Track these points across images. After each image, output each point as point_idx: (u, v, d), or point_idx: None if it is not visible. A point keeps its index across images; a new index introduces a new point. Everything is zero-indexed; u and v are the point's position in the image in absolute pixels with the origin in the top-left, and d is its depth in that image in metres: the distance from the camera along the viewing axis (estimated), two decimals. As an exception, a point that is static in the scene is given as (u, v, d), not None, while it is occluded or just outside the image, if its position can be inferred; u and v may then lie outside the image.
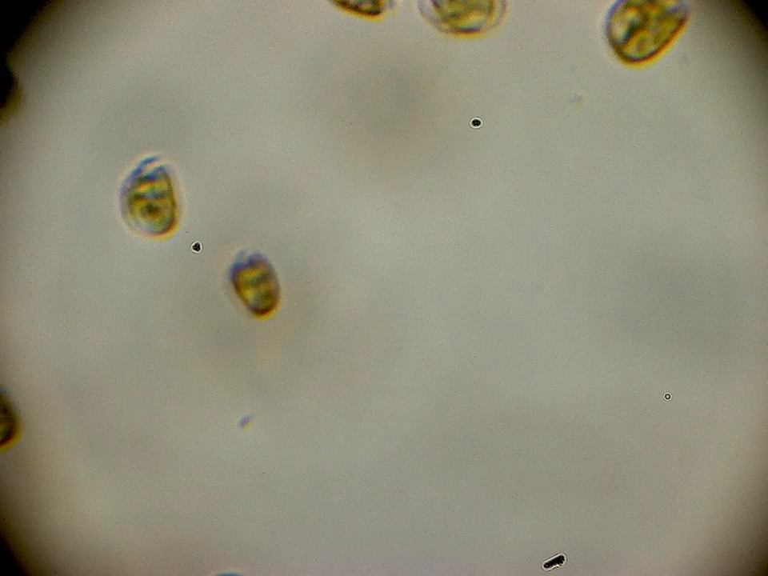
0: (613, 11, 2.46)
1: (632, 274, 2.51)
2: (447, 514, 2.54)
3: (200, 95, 2.51)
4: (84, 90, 2.50)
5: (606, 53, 2.47)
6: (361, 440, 2.56)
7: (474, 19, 2.46)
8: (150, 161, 2.51)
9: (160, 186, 2.51)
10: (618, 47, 2.46)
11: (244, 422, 2.54)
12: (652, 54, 2.46)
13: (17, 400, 2.53)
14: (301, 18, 2.50)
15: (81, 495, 2.55)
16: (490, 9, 2.45)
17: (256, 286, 2.52)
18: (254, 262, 2.51)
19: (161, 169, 2.51)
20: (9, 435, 2.53)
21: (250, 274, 2.52)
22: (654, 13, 2.44)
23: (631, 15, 2.45)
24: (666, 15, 2.44)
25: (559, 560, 2.49)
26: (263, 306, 2.52)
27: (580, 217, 2.52)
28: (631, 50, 2.46)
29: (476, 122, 2.50)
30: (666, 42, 2.45)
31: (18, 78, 2.40)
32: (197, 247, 2.53)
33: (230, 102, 2.52)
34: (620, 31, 2.46)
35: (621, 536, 2.50)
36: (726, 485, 2.50)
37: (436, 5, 2.42)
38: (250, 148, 2.53)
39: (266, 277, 2.52)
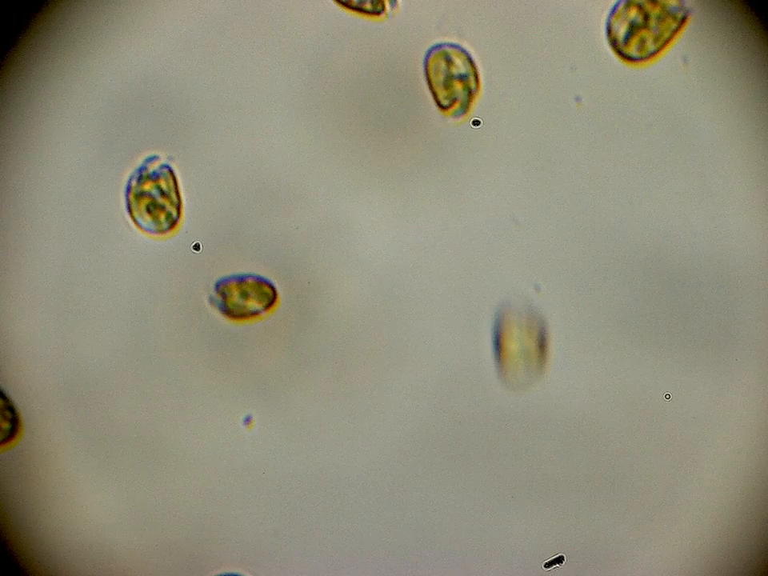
0: (614, 10, 2.46)
1: (632, 273, 2.51)
2: (447, 514, 2.54)
3: (202, 94, 2.51)
4: (86, 89, 2.50)
5: (607, 52, 2.47)
6: (361, 439, 2.56)
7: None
8: (152, 159, 2.51)
9: (164, 183, 2.50)
10: (618, 46, 2.46)
11: (247, 421, 2.54)
12: (653, 54, 2.46)
13: (18, 400, 2.53)
14: (303, 17, 2.49)
15: (81, 495, 2.55)
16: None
17: (243, 296, 2.53)
18: (247, 277, 2.53)
19: (164, 167, 2.51)
20: (10, 435, 2.53)
21: (242, 287, 2.53)
22: (655, 12, 2.44)
23: (632, 14, 2.45)
24: (667, 14, 2.44)
25: (559, 560, 2.50)
26: (236, 313, 2.53)
27: (580, 217, 2.52)
28: (632, 49, 2.46)
29: (476, 122, 2.50)
30: (667, 41, 2.45)
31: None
32: (197, 247, 2.53)
33: (231, 101, 2.51)
34: (621, 30, 2.45)
35: (621, 536, 2.51)
36: (726, 485, 2.50)
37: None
38: (251, 147, 2.52)
39: (254, 293, 2.53)
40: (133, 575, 2.55)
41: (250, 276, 2.51)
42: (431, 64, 2.47)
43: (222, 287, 2.49)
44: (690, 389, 2.49)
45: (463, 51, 2.47)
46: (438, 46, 2.48)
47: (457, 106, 2.45)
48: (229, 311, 2.51)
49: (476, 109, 2.46)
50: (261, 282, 2.52)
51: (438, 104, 2.43)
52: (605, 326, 2.52)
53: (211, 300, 2.45)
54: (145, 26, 2.49)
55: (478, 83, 2.46)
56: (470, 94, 2.46)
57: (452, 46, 2.47)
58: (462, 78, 2.45)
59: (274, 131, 2.52)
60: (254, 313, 2.52)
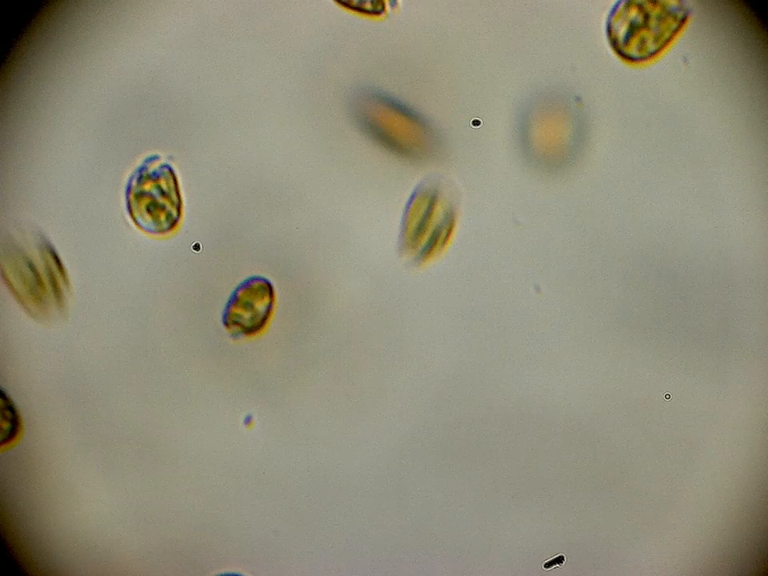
0: (614, 10, 2.46)
1: (632, 273, 2.51)
2: (447, 514, 2.54)
3: (202, 94, 2.51)
4: (87, 89, 2.50)
5: (607, 52, 2.47)
6: (361, 440, 2.56)
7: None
8: (152, 159, 2.51)
9: (164, 183, 2.51)
10: (618, 46, 2.46)
11: (248, 421, 2.54)
12: (653, 54, 2.46)
13: (18, 400, 2.53)
14: (303, 16, 2.49)
15: (81, 495, 2.55)
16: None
17: (250, 308, 2.53)
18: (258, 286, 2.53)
19: (165, 166, 2.51)
20: (10, 435, 2.53)
21: (250, 297, 2.53)
22: (655, 12, 2.44)
23: (632, 14, 2.45)
24: (667, 14, 2.44)
25: (559, 560, 2.50)
26: (258, 322, 2.53)
27: (580, 216, 2.52)
28: (632, 49, 2.46)
29: (476, 122, 2.50)
30: (667, 41, 2.45)
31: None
32: (197, 247, 2.53)
33: (231, 101, 2.51)
34: (621, 30, 2.45)
35: (621, 536, 2.51)
36: (726, 484, 2.50)
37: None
38: (251, 147, 2.52)
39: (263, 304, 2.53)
40: (133, 575, 2.55)
41: (236, 291, 2.51)
42: (413, 206, 2.50)
43: (228, 320, 2.48)
44: (690, 389, 2.49)
45: (449, 197, 2.49)
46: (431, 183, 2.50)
47: (416, 252, 2.50)
48: (252, 328, 2.51)
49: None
50: (247, 285, 2.52)
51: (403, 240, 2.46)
52: (605, 326, 2.52)
53: (234, 336, 2.46)
54: (145, 26, 2.49)
55: (448, 236, 2.49)
56: (434, 245, 2.50)
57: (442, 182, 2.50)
58: (436, 232, 2.49)
59: (274, 131, 2.52)
60: (269, 309, 2.52)
